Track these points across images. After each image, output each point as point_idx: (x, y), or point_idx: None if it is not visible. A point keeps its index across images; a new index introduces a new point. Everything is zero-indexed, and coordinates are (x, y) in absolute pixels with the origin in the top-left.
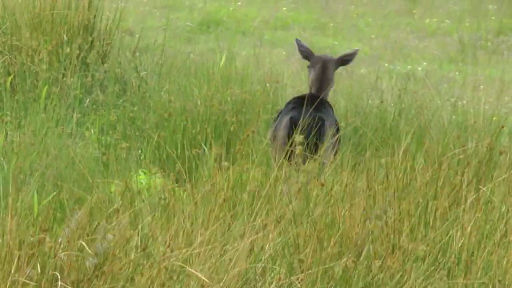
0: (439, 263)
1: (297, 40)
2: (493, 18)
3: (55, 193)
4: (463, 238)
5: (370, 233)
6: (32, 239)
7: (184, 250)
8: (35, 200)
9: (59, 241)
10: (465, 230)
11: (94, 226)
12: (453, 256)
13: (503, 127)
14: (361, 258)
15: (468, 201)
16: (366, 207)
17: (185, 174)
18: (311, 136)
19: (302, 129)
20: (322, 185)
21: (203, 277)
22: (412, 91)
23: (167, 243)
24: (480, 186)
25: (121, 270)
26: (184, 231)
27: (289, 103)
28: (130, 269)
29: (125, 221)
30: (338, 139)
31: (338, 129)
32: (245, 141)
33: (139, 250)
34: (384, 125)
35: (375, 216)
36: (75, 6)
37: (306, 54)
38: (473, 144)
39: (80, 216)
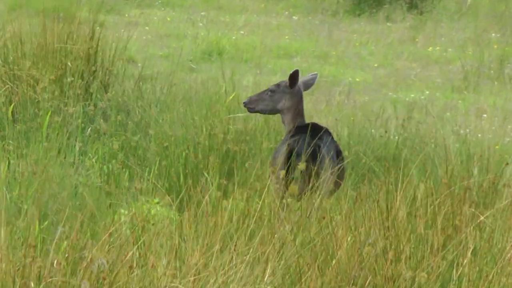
0: None
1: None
2: (495, 46)
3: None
4: (464, 267)
5: (365, 260)
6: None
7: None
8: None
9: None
10: (466, 259)
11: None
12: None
13: (507, 164)
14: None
15: (469, 231)
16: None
17: (187, 203)
18: (308, 163)
19: (299, 156)
20: (324, 218)
21: None
22: (416, 119)
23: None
24: (481, 215)
25: None
26: (185, 258)
27: (289, 131)
28: None
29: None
30: (342, 166)
31: (341, 155)
32: (247, 170)
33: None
34: (388, 154)
35: (367, 244)
36: (77, 36)
37: (296, 82)
38: (477, 174)
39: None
